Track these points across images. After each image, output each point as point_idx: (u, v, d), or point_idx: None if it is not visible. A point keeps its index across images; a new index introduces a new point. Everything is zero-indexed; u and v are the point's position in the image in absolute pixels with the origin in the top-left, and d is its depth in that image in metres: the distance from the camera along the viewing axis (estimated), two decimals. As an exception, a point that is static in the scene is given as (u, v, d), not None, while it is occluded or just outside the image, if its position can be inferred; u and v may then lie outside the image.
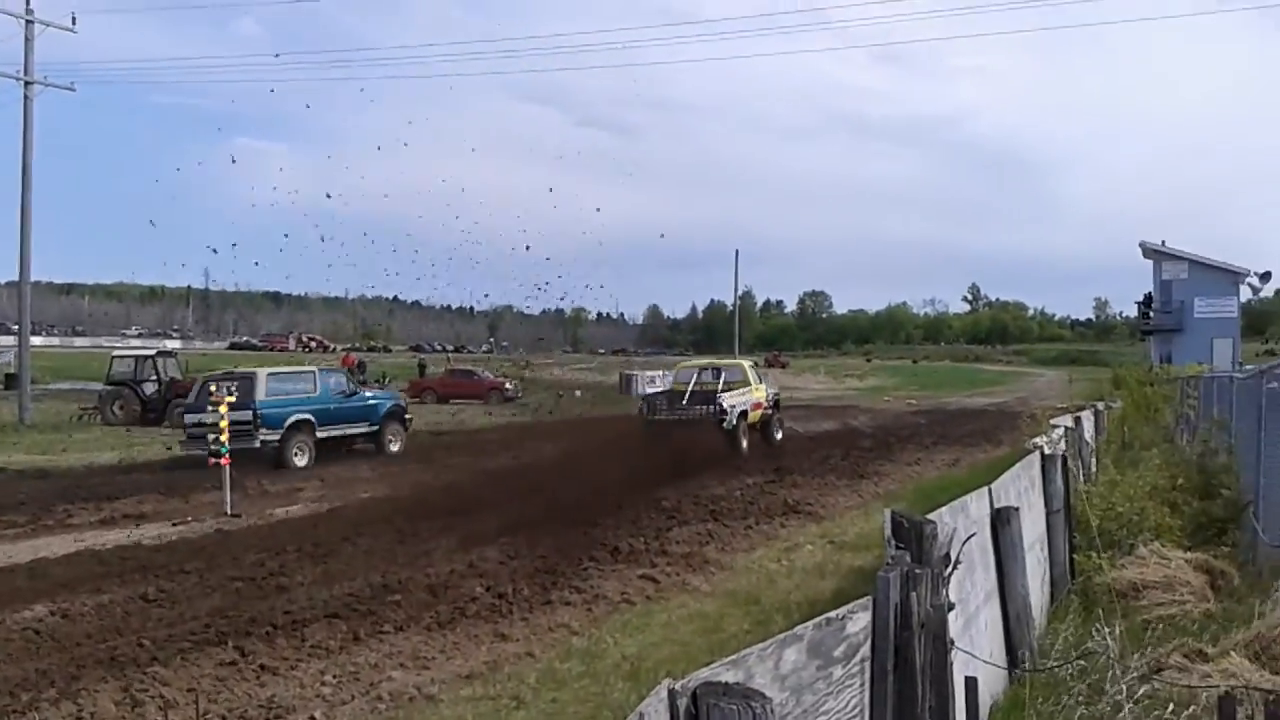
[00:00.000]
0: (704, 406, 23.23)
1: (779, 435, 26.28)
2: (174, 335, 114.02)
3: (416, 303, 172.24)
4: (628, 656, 7.86)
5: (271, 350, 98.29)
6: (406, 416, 25.52)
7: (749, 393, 24.72)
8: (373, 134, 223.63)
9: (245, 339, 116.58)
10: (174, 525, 14.28)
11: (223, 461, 15.32)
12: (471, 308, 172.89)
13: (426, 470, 20.44)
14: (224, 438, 15.52)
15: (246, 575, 10.77)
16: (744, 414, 23.94)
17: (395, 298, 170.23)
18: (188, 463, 19.75)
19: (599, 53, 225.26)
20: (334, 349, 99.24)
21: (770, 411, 26.10)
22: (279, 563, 11.37)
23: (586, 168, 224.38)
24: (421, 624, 8.77)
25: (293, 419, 21.44)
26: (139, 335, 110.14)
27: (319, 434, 22.11)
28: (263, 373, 22.55)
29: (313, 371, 24.21)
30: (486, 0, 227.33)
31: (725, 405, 23.16)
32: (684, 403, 23.85)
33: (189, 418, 21.66)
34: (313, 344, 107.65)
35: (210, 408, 18.23)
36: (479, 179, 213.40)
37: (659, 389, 31.31)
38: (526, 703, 6.98)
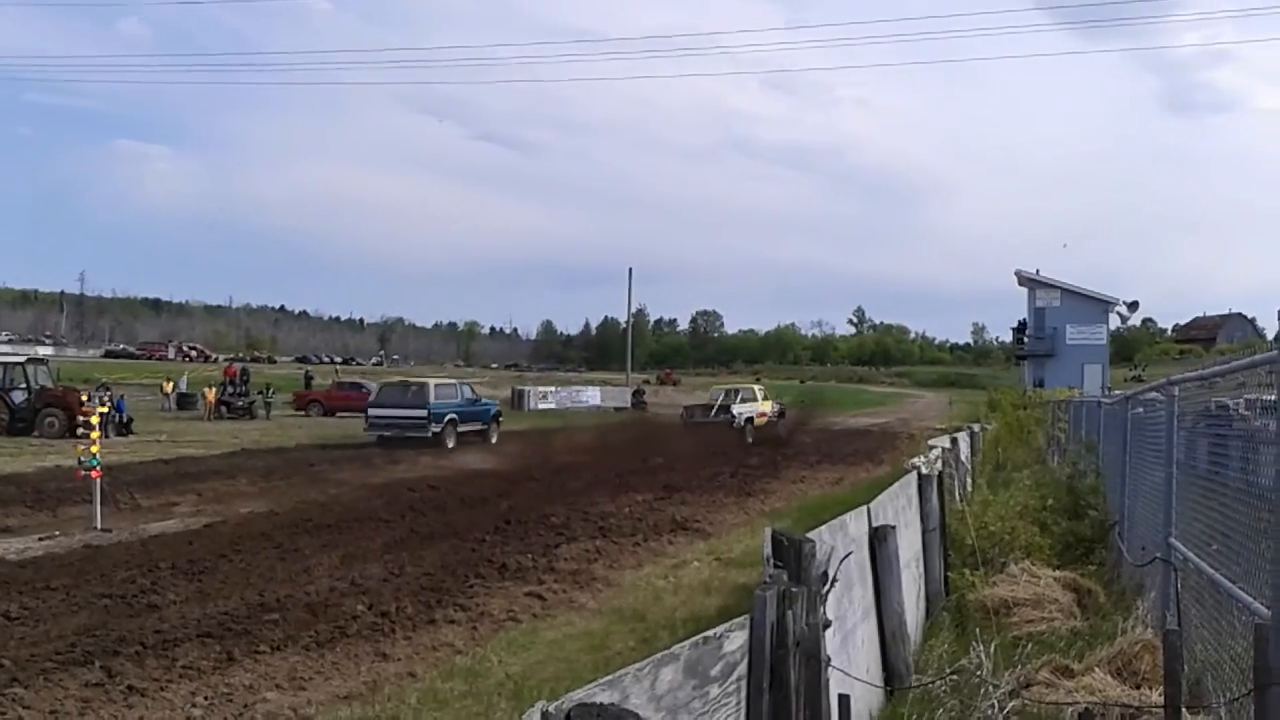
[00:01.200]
0: (725, 415, 37.36)
1: (783, 434, 37.70)
2: (46, 342, 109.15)
3: (304, 312, 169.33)
4: (512, 675, 7.79)
5: (150, 359, 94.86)
6: (500, 418, 35.61)
7: (756, 406, 39.36)
8: (262, 140, 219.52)
9: (122, 347, 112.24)
10: (40, 540, 13.65)
11: (93, 475, 14.74)
12: (361, 319, 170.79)
13: (310, 485, 20.02)
14: (94, 449, 14.94)
15: (116, 593, 10.35)
16: (750, 419, 37.76)
17: (281, 307, 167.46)
18: (58, 474, 19.18)
19: (497, 68, 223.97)
20: (216, 359, 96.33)
21: (775, 419, 40.29)
22: (150, 580, 10.97)
23: (484, 182, 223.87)
24: (300, 644, 8.55)
25: (449, 416, 31.12)
26: (9, 341, 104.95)
27: (460, 428, 31.50)
28: (432, 383, 33.13)
29: (455, 384, 35.37)
30: (383, 11, 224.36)
31: (734, 413, 37.39)
32: (713, 412, 37.94)
33: (373, 411, 31.63)
34: (193, 353, 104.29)
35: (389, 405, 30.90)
36: (373, 189, 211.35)
37: (698, 402, 42.99)
38: (406, 723, 6.87)
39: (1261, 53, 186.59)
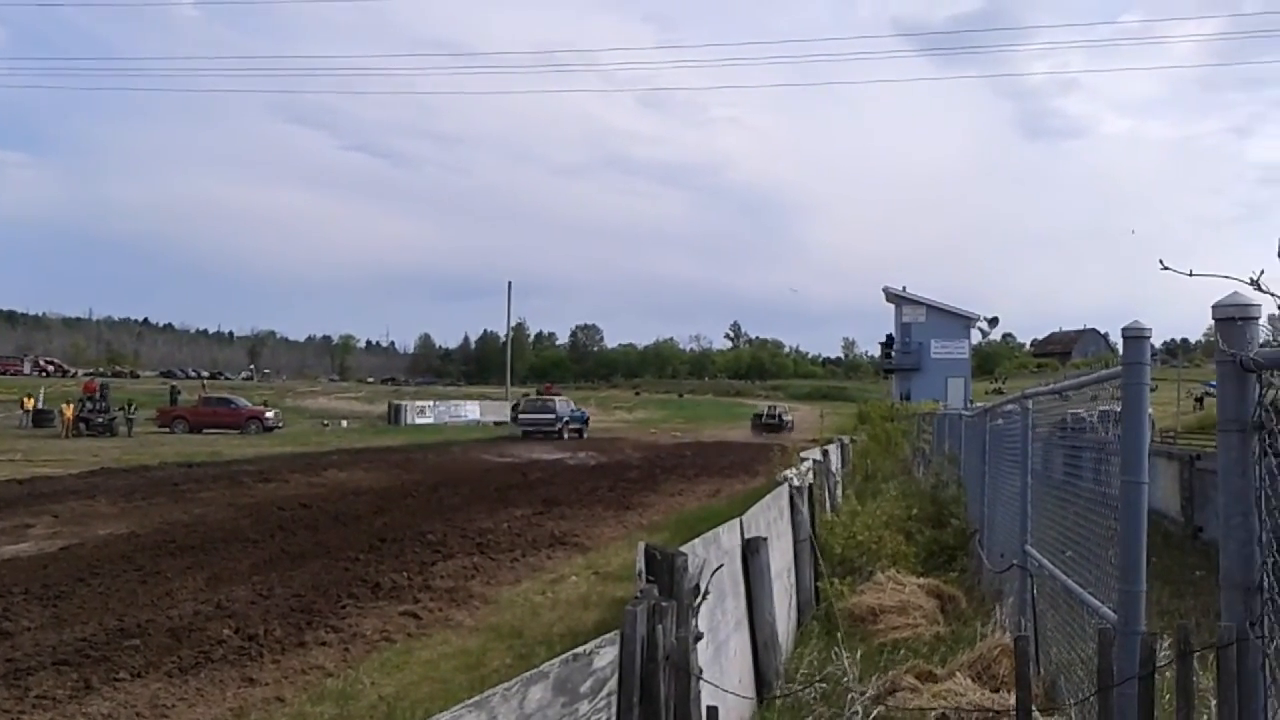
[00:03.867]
0: (771, 419, 62.72)
1: (791, 432, 54.13)
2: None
3: (169, 325, 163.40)
4: (385, 697, 7.66)
5: (4, 374, 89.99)
6: (588, 421, 56.16)
7: (789, 414, 65.93)
8: (126, 147, 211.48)
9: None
10: (-123, 567, 12.86)
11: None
12: (230, 332, 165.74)
13: (174, 505, 19.32)
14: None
15: (-37, 621, 9.83)
16: (790, 422, 62.09)
17: (145, 319, 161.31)
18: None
19: (370, 79, 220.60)
20: (75, 373, 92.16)
21: (791, 423, 61.97)
22: (2, 606, 10.42)
23: (359, 193, 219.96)
24: (162, 670, 8.25)
25: (566, 419, 51.08)
26: None
27: (570, 426, 51.07)
28: (557, 400, 54.14)
29: (566, 401, 55.47)
30: (252, 19, 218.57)
31: (783, 419, 63.37)
32: (765, 418, 63.01)
33: (522, 417, 52.55)
34: (51, 368, 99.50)
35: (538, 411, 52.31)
36: (242, 198, 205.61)
37: (757, 412, 68.44)
38: (275, 749, 6.69)
39: (1108, 82, 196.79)
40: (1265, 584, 2.87)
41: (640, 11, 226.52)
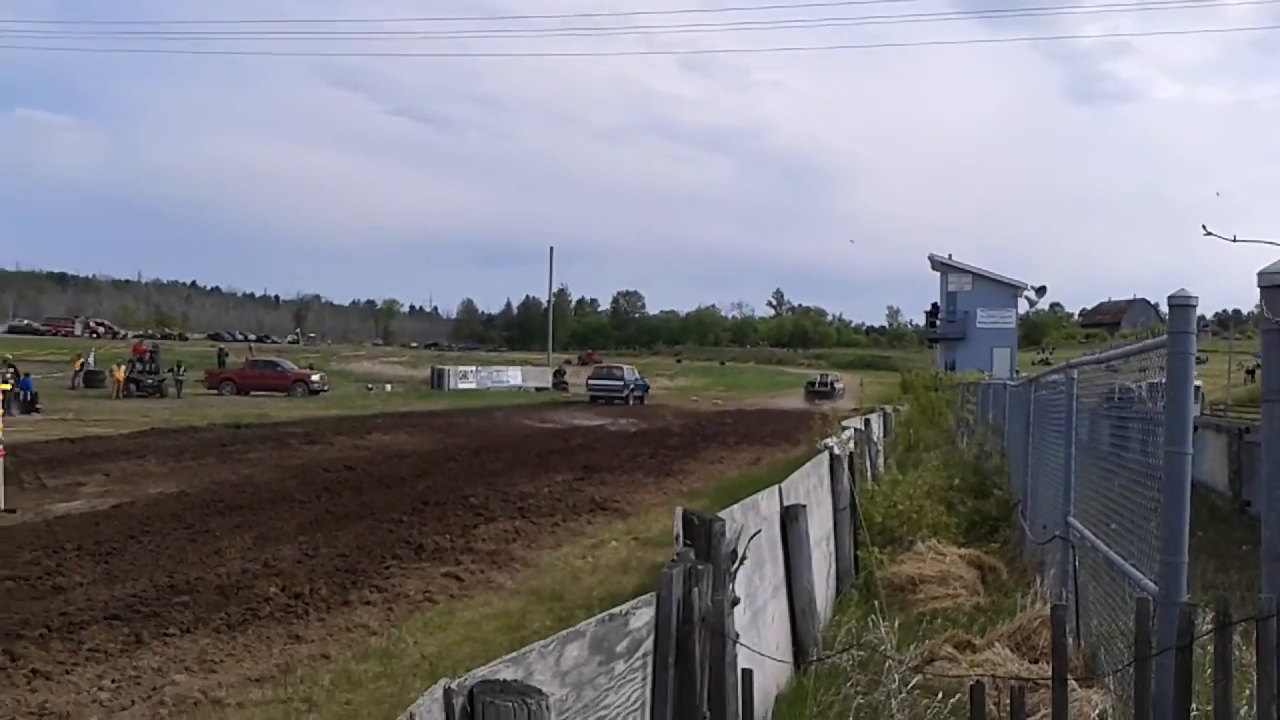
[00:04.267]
0: (823, 386, 64.00)
1: (842, 399, 54.31)
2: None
3: (216, 289, 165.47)
4: (427, 656, 7.80)
5: (55, 335, 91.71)
6: (649, 388, 60.25)
7: (839, 383, 65.41)
8: (172, 110, 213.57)
9: (26, 322, 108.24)
10: (-63, 522, 13.22)
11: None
12: (276, 296, 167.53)
13: (222, 465, 19.66)
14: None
15: (20, 574, 10.09)
16: (842, 388, 63.03)
17: (193, 283, 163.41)
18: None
19: (412, 41, 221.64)
20: (125, 335, 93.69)
21: (843, 390, 62.06)
22: (56, 561, 10.71)
23: (402, 157, 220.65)
24: (210, 626, 8.44)
25: (631, 385, 55.56)
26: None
27: (634, 393, 55.13)
28: (625, 368, 60.32)
29: (633, 368, 60.74)
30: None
31: (833, 385, 64.22)
32: (817, 385, 64.63)
33: (591, 382, 56.66)
34: (101, 329, 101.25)
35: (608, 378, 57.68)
36: (287, 162, 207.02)
37: (812, 380, 69.90)
38: (319, 705, 6.82)
39: (1161, 45, 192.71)
40: (1308, 557, 2.84)
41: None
